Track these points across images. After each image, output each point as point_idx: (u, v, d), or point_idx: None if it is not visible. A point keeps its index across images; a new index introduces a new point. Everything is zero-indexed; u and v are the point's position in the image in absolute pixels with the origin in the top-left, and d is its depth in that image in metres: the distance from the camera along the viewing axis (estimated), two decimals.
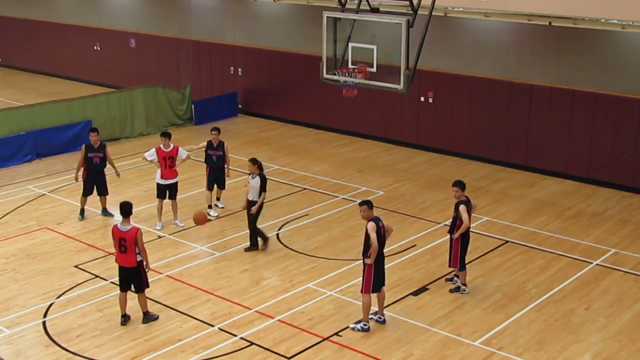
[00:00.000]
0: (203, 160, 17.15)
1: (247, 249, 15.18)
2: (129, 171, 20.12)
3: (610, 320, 12.67)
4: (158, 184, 16.27)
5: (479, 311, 12.93)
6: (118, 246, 12.13)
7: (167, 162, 16.09)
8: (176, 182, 16.27)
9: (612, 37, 18.33)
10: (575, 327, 12.44)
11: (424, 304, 13.17)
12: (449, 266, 13.54)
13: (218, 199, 17.36)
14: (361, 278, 12.16)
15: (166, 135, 16.28)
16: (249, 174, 15.09)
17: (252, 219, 15.04)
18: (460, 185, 13.25)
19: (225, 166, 16.77)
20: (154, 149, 16.23)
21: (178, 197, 16.50)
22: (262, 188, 14.89)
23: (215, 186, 17.00)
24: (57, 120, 21.81)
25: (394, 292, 13.49)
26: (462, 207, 13.01)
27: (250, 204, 15.02)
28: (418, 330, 12.30)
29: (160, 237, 15.77)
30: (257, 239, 15.20)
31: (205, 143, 16.89)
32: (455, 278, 13.67)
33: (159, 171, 16.20)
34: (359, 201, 12.41)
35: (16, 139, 20.74)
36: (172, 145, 16.17)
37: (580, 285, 13.90)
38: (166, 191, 16.25)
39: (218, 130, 16.81)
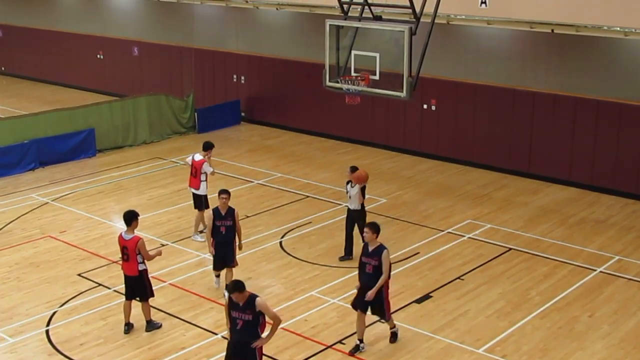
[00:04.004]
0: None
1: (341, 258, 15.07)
2: (132, 179, 20.16)
3: (614, 328, 12.63)
4: (205, 196, 16.03)
5: (483, 318, 12.91)
6: (122, 254, 12.17)
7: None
8: None
9: (615, 44, 18.33)
10: (579, 335, 12.41)
11: (427, 311, 13.15)
12: (387, 320, 11.93)
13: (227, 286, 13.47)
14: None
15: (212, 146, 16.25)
16: (347, 183, 14.86)
17: (361, 228, 14.28)
18: (374, 227, 11.55)
19: (237, 237, 13.54)
20: (207, 162, 15.97)
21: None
22: (362, 195, 14.66)
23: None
24: (60, 128, 21.83)
25: (397, 300, 13.46)
26: (386, 254, 11.39)
27: (350, 212, 14.84)
28: (422, 338, 12.27)
29: (163, 244, 15.77)
30: (351, 251, 14.98)
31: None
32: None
33: (205, 184, 15.89)
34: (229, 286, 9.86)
35: (20, 147, 20.78)
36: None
37: (584, 292, 13.87)
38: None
39: (228, 193, 13.45)
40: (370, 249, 11.50)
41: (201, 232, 16.09)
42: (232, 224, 13.32)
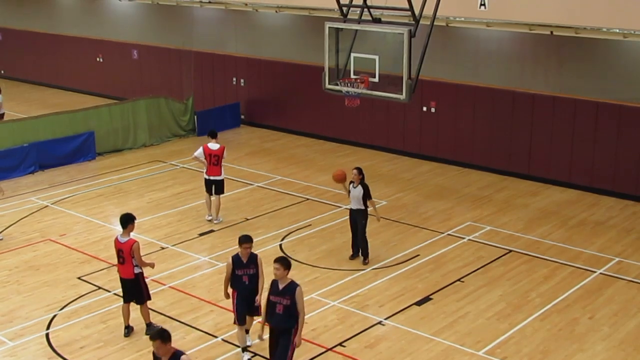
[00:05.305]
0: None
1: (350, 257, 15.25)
2: (132, 182, 20.16)
3: (615, 329, 12.63)
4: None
5: (483, 321, 12.91)
6: (117, 257, 12.17)
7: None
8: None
9: (614, 46, 18.35)
10: (579, 336, 12.40)
11: (427, 313, 13.15)
12: None
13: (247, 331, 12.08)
14: None
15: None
16: (350, 183, 15.02)
17: (362, 228, 14.99)
18: (285, 263, 10.44)
19: (259, 285, 11.66)
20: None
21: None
22: (367, 196, 14.86)
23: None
24: (60, 131, 21.83)
25: (397, 302, 13.47)
26: (299, 292, 10.34)
27: (352, 212, 15.02)
28: (422, 340, 12.27)
29: (163, 248, 15.77)
30: (359, 249, 15.21)
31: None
32: None
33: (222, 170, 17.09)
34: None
35: (19, 151, 20.77)
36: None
37: (584, 294, 13.87)
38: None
39: (251, 242, 11.69)
40: (281, 286, 10.32)
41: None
42: (256, 271, 11.61)
